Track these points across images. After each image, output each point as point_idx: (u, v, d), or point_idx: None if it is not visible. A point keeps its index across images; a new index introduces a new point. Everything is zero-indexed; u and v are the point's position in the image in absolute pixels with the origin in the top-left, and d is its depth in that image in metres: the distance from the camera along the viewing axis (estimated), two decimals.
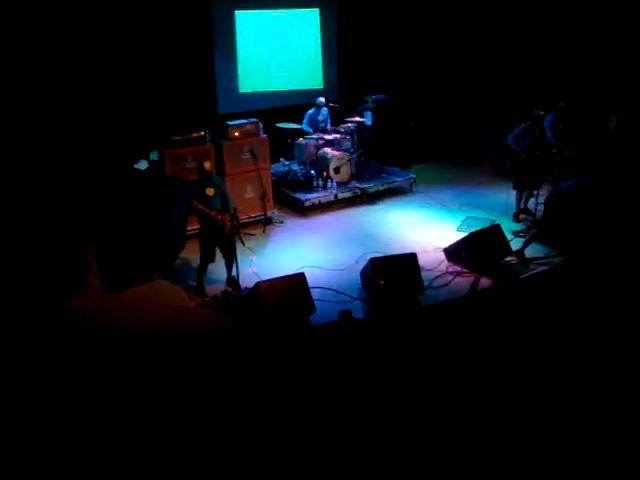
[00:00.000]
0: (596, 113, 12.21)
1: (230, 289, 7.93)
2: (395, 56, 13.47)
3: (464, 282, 7.99)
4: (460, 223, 9.81)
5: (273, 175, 10.83)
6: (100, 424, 5.53)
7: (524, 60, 13.36)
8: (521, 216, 9.98)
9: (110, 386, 6.07)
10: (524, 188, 9.83)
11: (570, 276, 7.40)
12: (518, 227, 9.58)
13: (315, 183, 11.08)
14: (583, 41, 12.67)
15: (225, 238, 7.66)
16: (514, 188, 9.89)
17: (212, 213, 7.45)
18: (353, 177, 11.29)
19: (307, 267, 8.06)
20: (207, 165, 7.68)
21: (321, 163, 11.06)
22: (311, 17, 12.83)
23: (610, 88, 12.32)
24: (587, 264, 7.43)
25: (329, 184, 11.05)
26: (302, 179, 11.27)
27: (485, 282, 7.98)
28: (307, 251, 9.04)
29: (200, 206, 7.43)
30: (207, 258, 7.78)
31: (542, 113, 9.56)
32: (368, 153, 12.12)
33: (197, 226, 7.86)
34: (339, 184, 11.08)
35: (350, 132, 11.52)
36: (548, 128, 10.33)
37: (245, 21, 12.06)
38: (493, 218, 9.76)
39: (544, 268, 8.21)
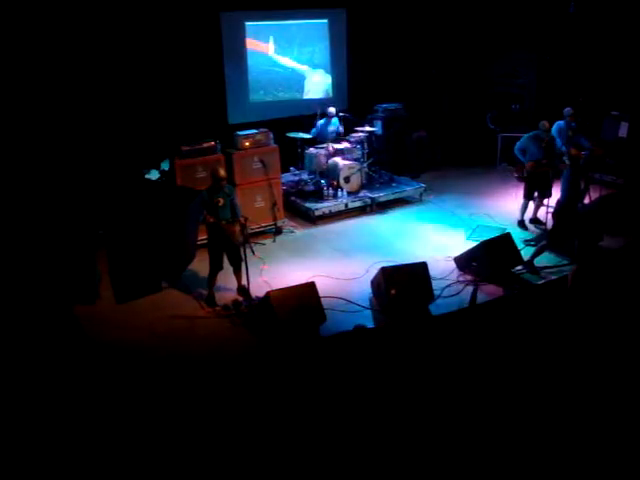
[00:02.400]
0: (607, 119, 12.19)
1: (241, 298, 7.95)
2: (405, 65, 13.50)
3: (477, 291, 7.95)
4: (470, 232, 9.79)
5: (283, 184, 10.87)
6: (110, 433, 5.54)
7: (533, 66, 13.37)
8: (532, 225, 10.00)
9: (121, 396, 6.08)
10: (532, 197, 9.84)
11: (581, 286, 7.36)
12: (529, 236, 9.56)
13: (325, 192, 11.08)
14: (594, 46, 12.67)
15: (233, 247, 7.68)
16: (524, 197, 9.91)
17: (221, 223, 7.47)
18: (363, 186, 11.30)
19: (317, 276, 8.06)
20: (221, 172, 7.66)
21: (331, 172, 11.08)
22: (320, 28, 12.88)
23: (622, 94, 12.29)
24: (598, 274, 7.39)
25: (339, 193, 11.06)
26: (312, 188, 11.28)
27: (491, 290, 7.94)
28: (317, 260, 9.05)
29: (211, 219, 7.46)
30: (215, 266, 7.81)
31: (547, 125, 9.56)
32: (378, 162, 12.12)
33: (206, 236, 7.88)
34: (349, 193, 11.09)
35: (360, 141, 11.53)
36: (557, 136, 10.32)
37: (255, 32, 12.12)
38: (504, 227, 9.74)
39: (554, 277, 8.18)
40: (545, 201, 9.68)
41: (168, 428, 5.59)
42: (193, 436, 5.45)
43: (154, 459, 5.24)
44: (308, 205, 10.78)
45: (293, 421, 5.61)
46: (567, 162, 8.69)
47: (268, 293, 7.04)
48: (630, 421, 5.44)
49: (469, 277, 8.25)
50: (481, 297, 7.78)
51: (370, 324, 7.32)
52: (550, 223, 8.93)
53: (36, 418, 5.73)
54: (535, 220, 10.11)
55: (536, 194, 9.86)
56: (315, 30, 12.84)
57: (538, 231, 9.77)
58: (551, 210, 8.90)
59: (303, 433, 5.45)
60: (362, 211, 11.02)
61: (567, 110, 10.46)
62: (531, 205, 10.03)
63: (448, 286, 8.09)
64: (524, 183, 9.84)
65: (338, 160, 11.14)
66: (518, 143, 9.75)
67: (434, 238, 9.72)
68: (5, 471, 5.11)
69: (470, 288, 7.96)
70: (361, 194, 11.15)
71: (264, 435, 5.44)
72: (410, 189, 11.64)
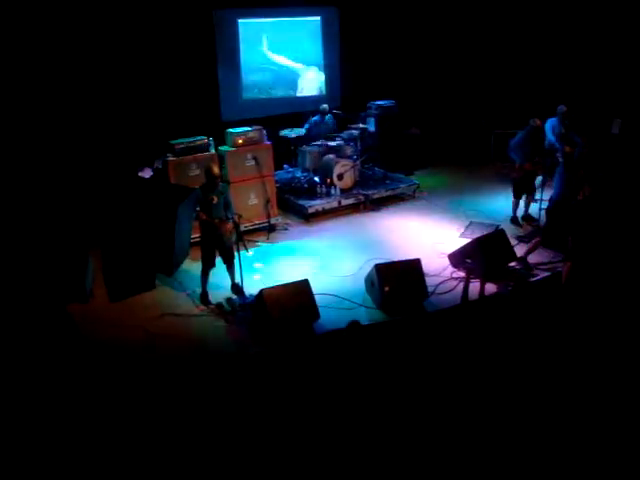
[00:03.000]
0: (599, 117, 12.22)
1: (234, 296, 7.94)
2: (398, 62, 13.52)
3: (469, 288, 7.95)
4: (464, 229, 9.81)
5: (277, 182, 10.85)
6: (103, 432, 5.53)
7: (528, 64, 13.40)
8: (524, 222, 10.03)
9: (115, 394, 6.07)
10: (521, 195, 9.85)
11: (575, 283, 7.38)
12: (523, 232, 9.57)
13: (319, 190, 11.09)
14: (587, 45, 12.70)
15: (225, 245, 7.68)
16: (514, 197, 9.92)
17: (215, 221, 7.47)
18: (357, 183, 11.30)
19: (311, 274, 8.05)
20: (215, 170, 7.63)
21: (325, 170, 11.07)
22: (313, 26, 12.87)
23: (614, 91, 12.33)
24: (591, 270, 7.41)
25: (333, 191, 11.05)
26: (306, 186, 11.29)
27: (485, 287, 7.94)
28: (311, 258, 9.04)
29: (204, 216, 7.45)
30: (207, 264, 7.80)
31: (539, 122, 9.54)
32: (372, 159, 12.14)
33: (199, 234, 7.87)
34: (343, 190, 11.08)
35: (353, 139, 11.53)
36: (550, 132, 10.32)
37: (248, 30, 12.09)
38: (497, 223, 9.77)
39: (548, 274, 8.20)
40: (537, 197, 9.71)
41: (162, 426, 5.59)
42: (187, 434, 5.45)
43: (148, 457, 5.23)
44: (302, 202, 10.77)
45: (287, 419, 5.61)
46: (561, 159, 8.70)
47: (261, 291, 7.03)
48: (626, 415, 5.46)
49: (463, 274, 8.26)
50: (475, 294, 7.79)
51: (364, 321, 7.31)
52: (543, 220, 8.94)
53: (30, 416, 5.71)
54: (527, 217, 10.12)
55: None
56: (308, 28, 12.83)
57: (531, 228, 9.78)
58: (544, 207, 8.92)
59: (298, 431, 5.45)
60: (355, 208, 11.02)
61: (560, 107, 10.47)
62: (522, 202, 10.04)
63: (442, 283, 8.10)
64: (514, 183, 9.85)
65: (331, 157, 11.13)
66: (513, 143, 9.71)
67: (428, 235, 9.72)
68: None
69: (463, 286, 7.99)
70: (354, 191, 11.15)
71: (258, 433, 5.44)
72: (403, 186, 11.66)
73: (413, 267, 7.63)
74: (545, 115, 10.40)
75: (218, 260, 7.84)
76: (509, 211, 10.09)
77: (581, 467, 4.96)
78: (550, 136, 10.47)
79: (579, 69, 12.83)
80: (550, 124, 10.45)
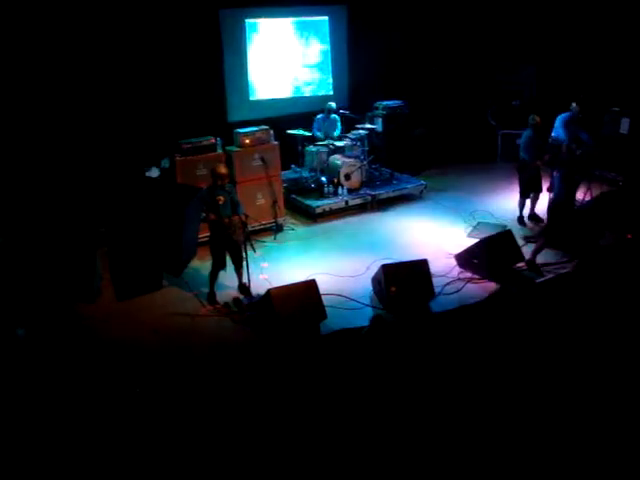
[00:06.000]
0: (607, 115, 12.18)
1: (242, 296, 7.95)
2: (405, 63, 13.50)
3: (475, 288, 7.96)
4: (471, 229, 9.79)
5: (284, 182, 10.86)
6: (111, 431, 5.55)
7: (532, 64, 13.38)
8: (530, 222, 10.00)
9: (122, 393, 6.09)
10: (528, 194, 9.82)
11: (582, 283, 7.37)
12: (530, 233, 9.54)
13: (326, 190, 11.09)
14: (595, 42, 12.66)
15: (234, 245, 7.69)
16: (521, 195, 9.89)
17: (225, 221, 7.48)
18: (364, 184, 11.29)
19: (318, 274, 8.05)
20: (222, 170, 7.60)
21: (332, 170, 11.07)
22: (321, 25, 12.86)
23: (622, 90, 12.28)
24: (598, 271, 7.39)
25: (340, 191, 11.05)
26: (313, 186, 11.29)
27: (491, 288, 7.94)
28: (318, 258, 9.04)
29: (213, 216, 7.46)
30: (218, 265, 7.81)
31: (538, 119, 9.51)
32: (379, 160, 12.14)
33: (207, 233, 7.89)
34: (350, 191, 11.08)
35: (361, 139, 11.53)
36: (559, 128, 10.25)
37: (255, 29, 12.10)
38: (504, 224, 9.75)
39: (555, 275, 8.17)
40: (547, 196, 9.67)
41: (169, 425, 5.60)
42: (194, 433, 5.46)
43: (155, 456, 5.25)
44: (309, 202, 10.77)
45: (293, 418, 5.62)
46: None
47: (269, 291, 7.04)
48: (628, 417, 5.44)
49: (470, 274, 8.25)
50: (481, 294, 7.80)
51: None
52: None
53: (39, 416, 5.74)
54: (533, 216, 10.09)
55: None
56: (315, 27, 12.82)
57: (537, 228, 9.75)
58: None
59: (303, 430, 5.45)
60: (363, 208, 11.02)
61: (575, 108, 10.37)
62: (528, 201, 10.02)
63: (449, 283, 8.08)
64: (520, 181, 9.82)
65: (338, 157, 11.14)
66: (522, 142, 9.67)
67: (435, 235, 9.71)
68: (5, 470, 5.12)
69: (471, 286, 7.99)
70: (362, 191, 11.15)
71: (264, 432, 5.45)
72: (410, 186, 11.64)
73: (420, 268, 7.62)
74: (548, 113, 10.36)
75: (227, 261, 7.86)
76: (516, 211, 10.07)
77: (583, 467, 4.95)
78: (557, 132, 10.38)
79: (586, 68, 12.78)
80: (562, 119, 10.35)
